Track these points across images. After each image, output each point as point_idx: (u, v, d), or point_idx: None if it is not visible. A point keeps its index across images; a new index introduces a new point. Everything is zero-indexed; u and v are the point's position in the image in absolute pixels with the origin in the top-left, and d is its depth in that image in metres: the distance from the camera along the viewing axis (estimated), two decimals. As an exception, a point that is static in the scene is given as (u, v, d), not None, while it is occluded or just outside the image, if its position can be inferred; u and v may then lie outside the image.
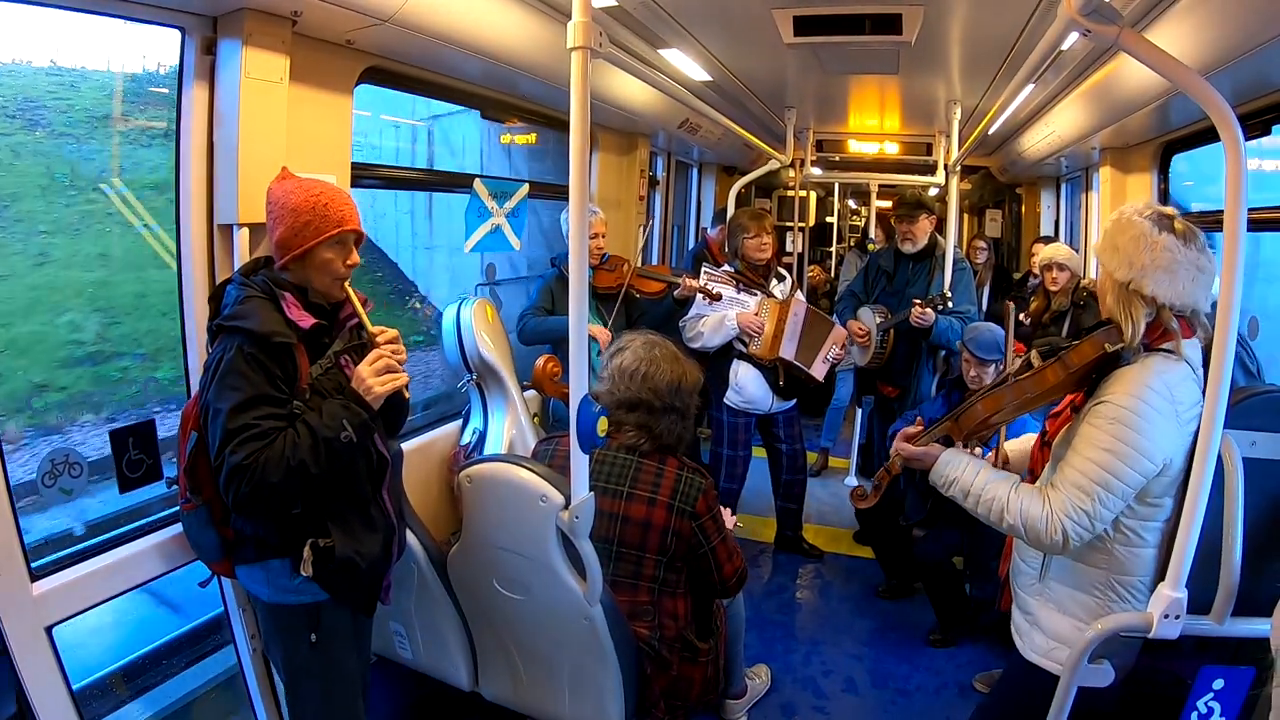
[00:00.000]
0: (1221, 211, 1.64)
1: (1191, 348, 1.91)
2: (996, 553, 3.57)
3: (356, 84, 2.89)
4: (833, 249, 9.37)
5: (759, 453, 4.62)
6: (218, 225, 2.44)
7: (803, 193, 6.85)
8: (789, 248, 7.57)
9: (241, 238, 2.41)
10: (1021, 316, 5.04)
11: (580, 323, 2.07)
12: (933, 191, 6.16)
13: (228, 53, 2.35)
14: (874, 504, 2.56)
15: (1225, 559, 1.82)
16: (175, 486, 2.15)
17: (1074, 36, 2.05)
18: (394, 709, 3.20)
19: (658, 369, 2.57)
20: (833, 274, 8.02)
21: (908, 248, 4.60)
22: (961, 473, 2.08)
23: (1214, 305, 1.86)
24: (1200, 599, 1.80)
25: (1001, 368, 2.70)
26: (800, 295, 4.52)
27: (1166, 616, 1.75)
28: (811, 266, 7.80)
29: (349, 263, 2.09)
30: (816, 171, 6.72)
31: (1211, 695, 1.96)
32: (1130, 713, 2.02)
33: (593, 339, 3.83)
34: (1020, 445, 2.52)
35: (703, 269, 4.37)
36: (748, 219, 4.42)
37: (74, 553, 2.18)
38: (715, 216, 6.35)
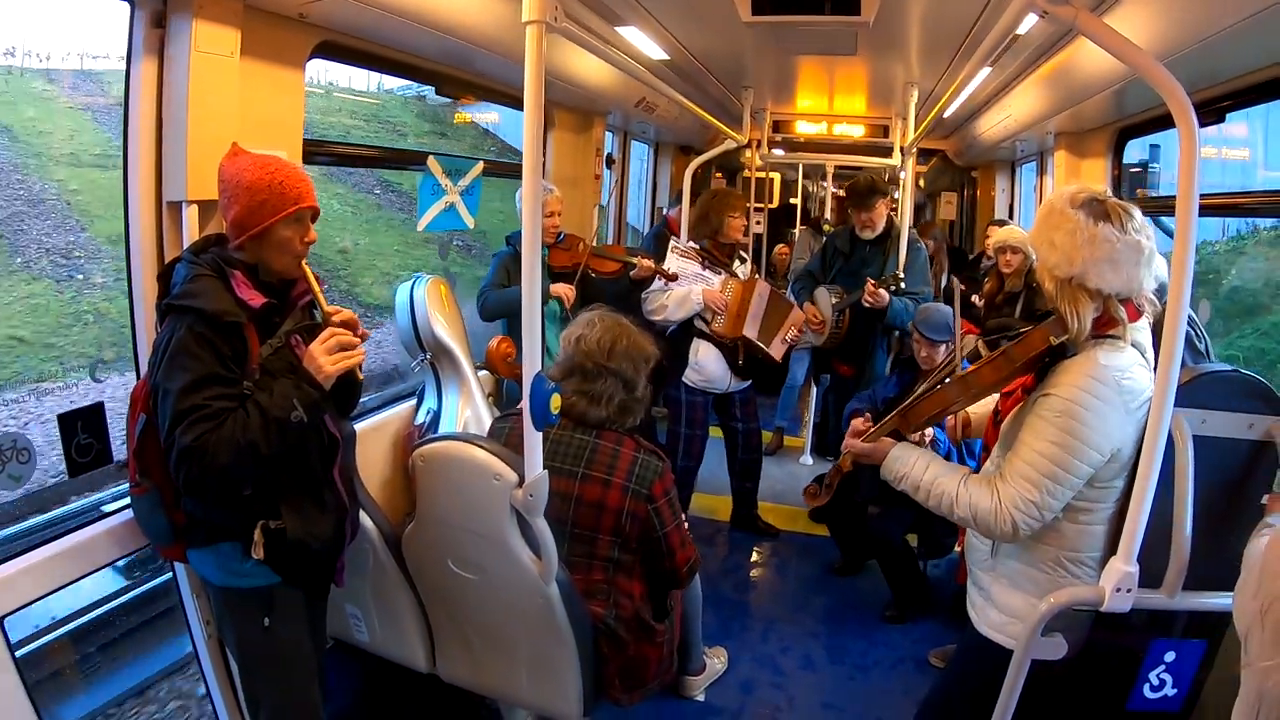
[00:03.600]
0: (1170, 197, 1.66)
1: (1139, 330, 1.92)
2: (950, 530, 3.65)
3: (309, 58, 2.83)
4: (796, 230, 9.43)
5: (715, 433, 4.65)
6: (166, 202, 2.38)
7: (765, 174, 6.85)
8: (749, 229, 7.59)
9: (190, 215, 2.35)
10: (975, 298, 5.11)
11: (534, 301, 2.05)
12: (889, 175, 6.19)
13: (177, 26, 2.28)
14: (825, 502, 2.58)
15: (1176, 534, 1.86)
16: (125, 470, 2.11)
17: (1031, 19, 2.07)
18: (352, 692, 3.18)
19: (593, 331, 2.58)
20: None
21: (867, 235, 4.64)
22: (911, 468, 2.09)
23: (1161, 286, 1.89)
24: (1151, 574, 1.83)
25: (951, 348, 2.72)
26: (759, 277, 4.53)
27: (1119, 590, 1.77)
28: (780, 246, 7.86)
29: (306, 240, 2.05)
30: (778, 152, 6.73)
31: (1163, 667, 2.01)
32: (1083, 685, 2.06)
33: (557, 299, 3.89)
34: (981, 409, 2.52)
35: (671, 242, 4.39)
36: (735, 199, 4.49)
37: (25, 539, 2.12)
38: (675, 197, 6.34)
